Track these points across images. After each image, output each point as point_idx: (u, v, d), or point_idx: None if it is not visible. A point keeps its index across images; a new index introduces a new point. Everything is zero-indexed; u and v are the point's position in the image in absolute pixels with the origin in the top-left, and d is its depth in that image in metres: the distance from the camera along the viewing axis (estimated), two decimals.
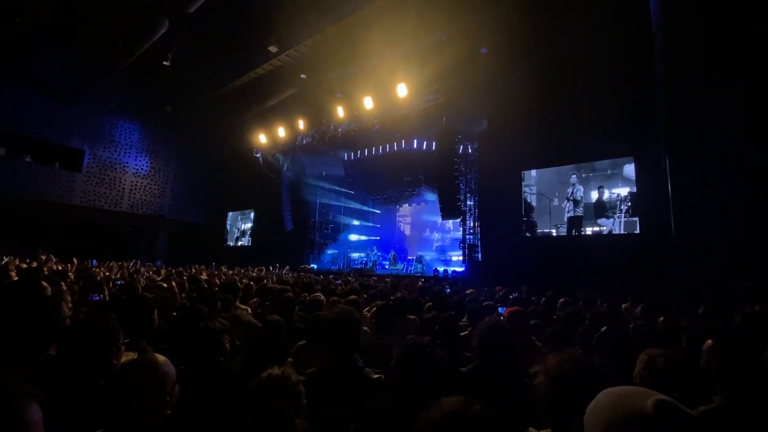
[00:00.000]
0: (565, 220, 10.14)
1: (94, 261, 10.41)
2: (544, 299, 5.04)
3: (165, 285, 4.47)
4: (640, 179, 9.14)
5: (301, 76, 13.98)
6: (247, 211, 19.26)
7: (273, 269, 10.91)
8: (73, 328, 1.67)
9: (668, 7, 6.87)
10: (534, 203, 10.71)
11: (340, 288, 5.51)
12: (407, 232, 19.50)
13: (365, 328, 3.26)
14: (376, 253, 16.49)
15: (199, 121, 17.90)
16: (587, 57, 9.44)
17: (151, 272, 8.22)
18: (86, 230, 16.23)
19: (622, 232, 9.24)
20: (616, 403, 0.75)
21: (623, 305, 4.88)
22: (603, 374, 1.13)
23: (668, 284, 6.94)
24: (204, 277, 7.02)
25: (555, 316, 4.03)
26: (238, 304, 3.91)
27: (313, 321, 2.52)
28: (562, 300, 4.54)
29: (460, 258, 13.04)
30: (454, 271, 12.30)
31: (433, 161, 12.50)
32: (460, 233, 12.58)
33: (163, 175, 18.35)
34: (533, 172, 10.92)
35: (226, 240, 19.83)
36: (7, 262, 7.83)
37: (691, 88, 7.22)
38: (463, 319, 3.51)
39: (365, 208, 18.84)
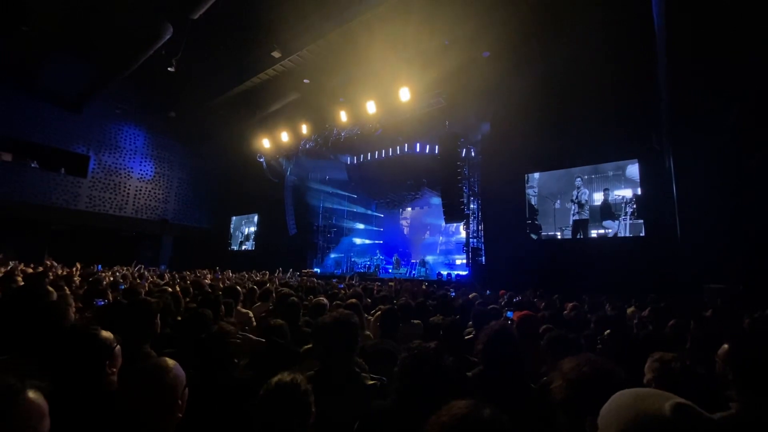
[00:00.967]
0: (570, 223, 10.10)
1: (99, 266, 10.47)
2: (543, 303, 4.99)
3: (169, 289, 4.48)
4: (644, 181, 9.09)
5: (304, 81, 14.06)
6: (250, 216, 19.32)
7: (278, 273, 10.92)
8: (65, 337, 1.66)
9: (670, 9, 6.85)
10: (537, 206, 10.69)
11: (343, 292, 5.50)
12: (411, 235, 19.46)
13: (367, 332, 3.24)
14: (379, 257, 16.46)
15: (202, 127, 18.01)
16: (590, 60, 9.45)
17: (154, 276, 8.25)
18: (91, 235, 16.33)
19: (627, 234, 9.19)
20: (633, 405, 0.73)
21: (629, 309, 4.83)
22: (621, 378, 1.12)
23: (673, 286, 6.88)
24: (208, 281, 7.04)
25: (564, 320, 3.99)
26: (240, 308, 3.91)
27: (315, 325, 2.51)
28: (572, 304, 4.50)
29: (464, 261, 12.99)
30: (458, 275, 12.24)
31: (436, 165, 12.49)
32: (463, 236, 12.54)
33: (167, 180, 18.47)
34: (536, 175, 10.91)
35: (230, 244, 19.88)
36: (12, 266, 7.89)
37: (695, 89, 7.18)
38: (469, 323, 3.48)
39: (368, 212, 18.85)
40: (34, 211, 14.47)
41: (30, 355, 1.66)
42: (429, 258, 15.59)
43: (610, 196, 9.59)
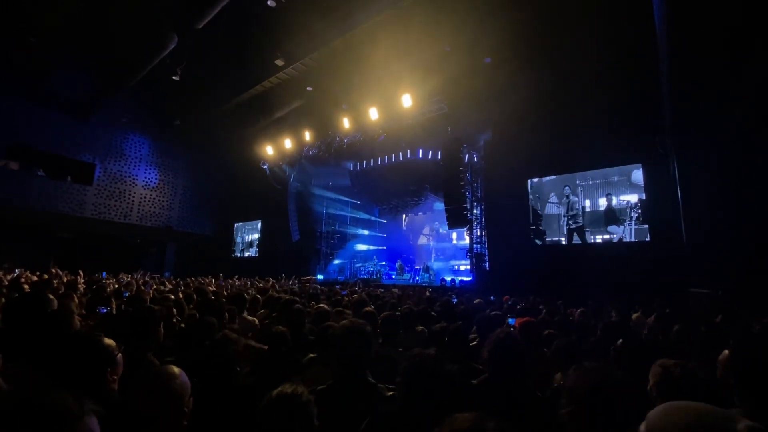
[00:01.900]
0: (564, 231, 10.10)
1: (104, 273, 10.52)
2: (544, 309, 4.94)
3: (173, 297, 4.48)
4: (648, 186, 9.04)
5: (308, 88, 14.17)
6: (254, 222, 19.38)
7: (281, 280, 10.92)
8: (68, 344, 1.66)
9: (672, 12, 6.86)
10: (542, 211, 10.64)
11: (346, 299, 5.48)
12: (414, 241, 19.42)
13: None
14: (382, 263, 16.43)
15: (206, 134, 18.15)
16: (592, 64, 9.45)
17: (158, 284, 8.26)
18: (96, 242, 16.43)
19: (633, 239, 9.11)
20: (697, 425, 0.67)
21: (634, 315, 4.78)
22: (631, 387, 1.09)
23: (679, 291, 6.81)
24: (212, 288, 7.04)
25: (567, 326, 3.95)
26: (245, 315, 3.90)
27: (323, 333, 2.49)
28: (579, 310, 4.46)
29: (467, 267, 12.94)
30: (461, 281, 12.19)
31: (439, 170, 12.51)
32: (466, 242, 12.51)
33: (171, 188, 18.59)
34: (541, 180, 10.86)
35: (234, 251, 19.93)
36: (18, 274, 7.94)
37: (698, 93, 7.16)
38: (473, 330, 3.46)
39: (371, 217, 18.86)
40: (40, 218, 14.59)
41: (35, 362, 1.66)
42: (432, 264, 15.54)
43: (615, 201, 9.52)
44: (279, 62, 12.59)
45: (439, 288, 11.49)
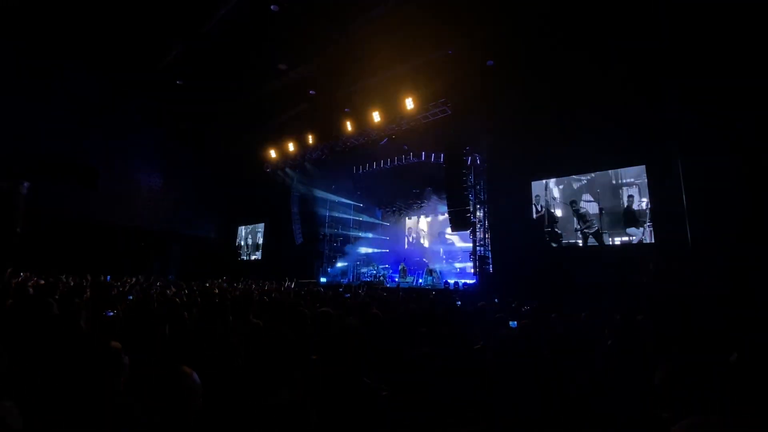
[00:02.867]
0: (579, 235, 10.01)
1: (108, 277, 10.58)
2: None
3: (177, 300, 4.51)
4: (653, 188, 9.00)
5: (310, 92, 14.24)
6: (257, 225, 19.45)
7: (285, 283, 10.94)
8: (75, 347, 1.68)
9: (676, 10, 6.87)
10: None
11: (349, 302, 5.48)
12: (417, 244, 19.40)
13: None
14: (385, 266, 16.42)
15: (210, 138, 18.28)
16: (597, 65, 9.43)
17: (163, 287, 8.30)
18: (100, 246, 16.52)
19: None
20: None
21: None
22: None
23: (684, 295, 6.75)
24: (216, 291, 7.06)
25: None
26: (251, 318, 3.91)
27: (323, 335, 2.50)
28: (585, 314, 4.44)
29: (470, 269, 12.90)
30: (465, 283, 12.15)
31: (442, 173, 12.51)
32: (469, 244, 12.48)
33: (175, 191, 18.68)
34: (552, 182, 10.75)
35: (240, 254, 19.99)
36: (23, 278, 8.00)
37: (702, 92, 7.14)
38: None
39: (375, 220, 18.87)
40: (46, 223, 14.67)
41: (41, 364, 1.68)
42: (436, 266, 15.50)
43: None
44: (282, 66, 12.68)
45: (442, 290, 11.47)
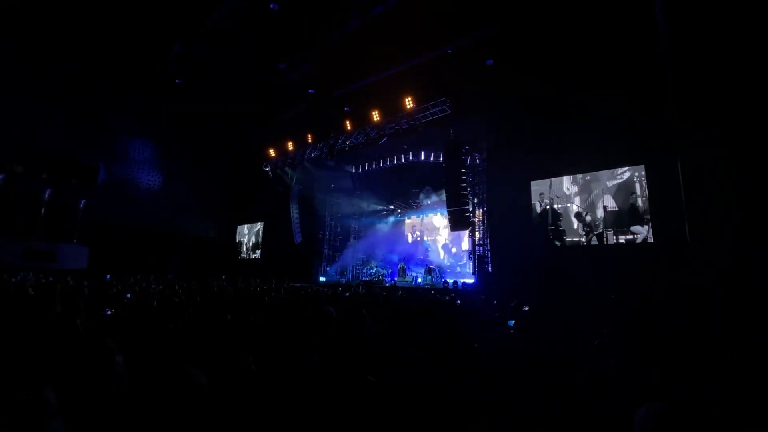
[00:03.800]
0: (582, 233, 9.99)
1: (108, 276, 10.56)
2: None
3: (176, 299, 4.50)
4: (652, 187, 9.01)
5: (309, 91, 14.23)
6: (257, 225, 19.44)
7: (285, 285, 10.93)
8: (72, 346, 1.67)
9: (674, 10, 6.87)
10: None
11: (348, 300, 5.48)
12: (416, 243, 19.41)
13: None
14: (384, 265, 16.42)
15: (209, 137, 18.25)
16: (596, 64, 9.44)
17: (162, 286, 8.29)
18: (100, 245, 16.49)
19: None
20: None
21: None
22: None
23: (682, 293, 6.77)
24: (215, 290, 7.05)
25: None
26: (251, 318, 3.90)
27: (323, 333, 2.50)
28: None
29: (469, 269, 12.91)
30: (463, 283, 12.16)
31: (441, 172, 12.51)
32: (468, 244, 12.49)
33: (174, 190, 18.66)
34: (551, 181, 10.75)
35: (240, 253, 19.98)
36: (22, 277, 7.99)
37: (701, 91, 7.15)
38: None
39: (374, 220, 18.86)
40: (46, 221, 14.65)
41: (38, 364, 1.68)
42: (434, 266, 15.50)
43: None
44: (281, 65, 12.67)
45: (441, 290, 11.48)
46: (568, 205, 10.43)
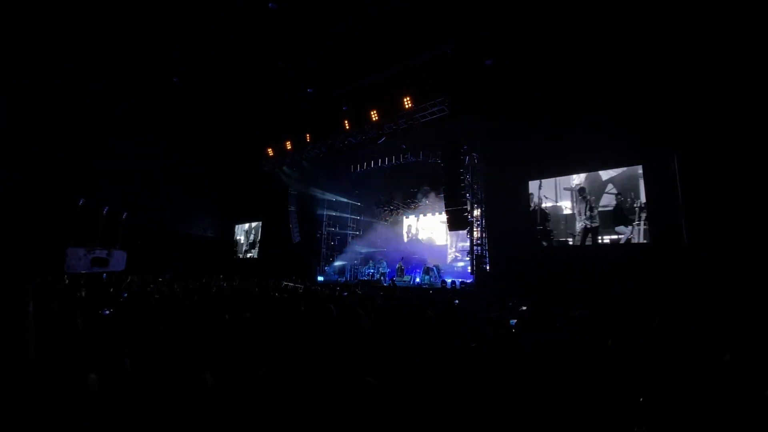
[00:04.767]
0: (579, 230, 10.01)
1: (104, 275, 10.50)
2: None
3: (174, 298, 4.49)
4: (650, 186, 9.04)
5: (308, 90, 14.21)
6: (254, 224, 19.40)
7: (284, 285, 10.92)
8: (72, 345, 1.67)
9: (674, 10, 6.90)
10: (549, 211, 10.57)
11: (347, 300, 5.48)
12: (414, 243, 19.42)
13: None
14: (383, 265, 16.42)
15: (206, 136, 18.19)
16: (594, 63, 9.45)
17: (160, 285, 8.27)
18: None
19: (642, 240, 9.04)
20: None
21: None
22: None
23: (681, 294, 6.80)
24: (213, 290, 7.04)
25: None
26: (249, 316, 3.90)
27: (323, 333, 2.50)
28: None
29: (467, 268, 12.93)
30: (462, 282, 12.18)
31: (439, 172, 12.52)
32: (466, 243, 12.50)
33: (172, 189, 18.59)
34: (543, 181, 10.82)
35: (236, 252, 19.94)
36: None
37: (699, 90, 7.18)
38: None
39: (372, 219, 18.86)
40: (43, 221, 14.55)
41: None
42: (433, 265, 15.51)
43: (623, 201, 9.46)
44: (279, 64, 12.65)
45: (440, 289, 11.49)
46: (557, 204, 10.49)
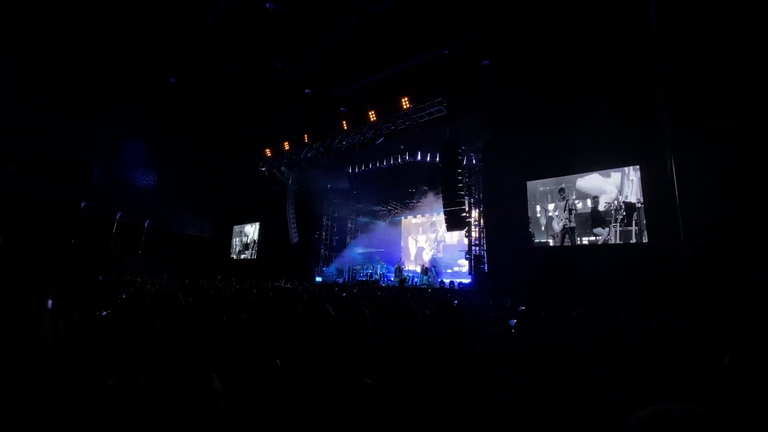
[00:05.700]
0: (558, 231, 10.12)
1: (101, 276, 10.46)
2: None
3: (170, 298, 4.46)
4: (646, 187, 9.09)
5: (306, 91, 14.20)
6: (252, 225, 19.35)
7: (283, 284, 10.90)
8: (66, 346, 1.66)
9: (668, 10, 6.92)
10: (531, 213, 10.70)
11: (347, 301, 5.46)
12: (412, 243, 19.43)
13: None
14: (381, 266, 16.42)
15: (205, 137, 18.15)
16: (590, 66, 9.49)
17: (157, 285, 8.24)
18: (94, 245, 16.33)
19: (618, 241, 9.20)
20: None
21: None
22: None
23: (680, 293, 6.82)
24: (212, 291, 7.01)
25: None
26: (246, 317, 3.88)
27: (323, 335, 2.49)
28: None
29: (466, 269, 12.94)
30: (460, 283, 12.19)
31: (437, 173, 12.53)
32: (465, 243, 12.51)
33: (170, 190, 18.55)
34: (527, 183, 10.90)
35: (232, 253, 19.89)
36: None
37: (696, 93, 7.21)
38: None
39: (370, 220, 18.86)
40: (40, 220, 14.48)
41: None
42: (430, 266, 15.52)
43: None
44: (278, 65, 12.63)
45: (438, 290, 11.49)
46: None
